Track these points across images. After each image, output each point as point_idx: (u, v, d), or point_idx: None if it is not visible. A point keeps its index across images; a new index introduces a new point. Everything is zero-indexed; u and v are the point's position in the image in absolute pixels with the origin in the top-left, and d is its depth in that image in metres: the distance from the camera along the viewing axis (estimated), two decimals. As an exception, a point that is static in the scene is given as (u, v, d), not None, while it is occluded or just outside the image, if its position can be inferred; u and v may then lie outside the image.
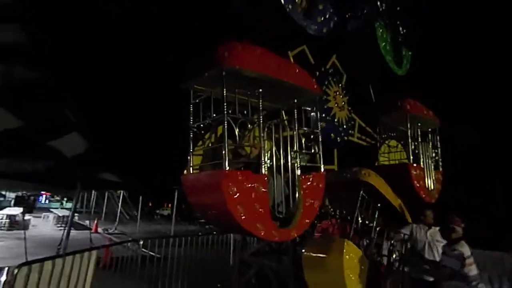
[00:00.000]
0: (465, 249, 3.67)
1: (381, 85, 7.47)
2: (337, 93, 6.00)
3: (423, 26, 7.41)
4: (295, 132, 4.01)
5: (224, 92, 3.28)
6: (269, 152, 3.96)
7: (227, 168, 3.09)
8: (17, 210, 19.70)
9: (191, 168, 3.56)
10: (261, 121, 3.61)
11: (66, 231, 9.81)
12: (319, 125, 4.38)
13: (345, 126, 6.03)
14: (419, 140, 6.73)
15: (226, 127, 3.21)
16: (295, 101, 4.14)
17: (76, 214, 23.65)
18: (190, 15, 4.51)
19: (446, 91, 8.23)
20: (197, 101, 3.74)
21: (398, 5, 6.86)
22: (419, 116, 6.67)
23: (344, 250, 4.34)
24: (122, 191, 21.16)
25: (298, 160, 3.93)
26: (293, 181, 3.85)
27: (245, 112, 4.09)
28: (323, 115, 5.66)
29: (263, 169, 3.43)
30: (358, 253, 4.45)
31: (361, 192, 4.75)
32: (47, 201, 30.28)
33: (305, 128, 4.34)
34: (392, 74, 7.19)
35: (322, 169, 4.24)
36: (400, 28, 6.99)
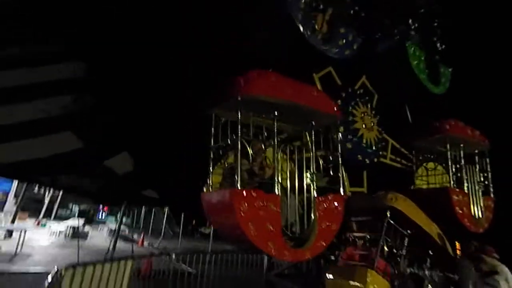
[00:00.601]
0: (502, 282, 3.26)
1: (418, 105, 7.14)
2: (365, 113, 5.91)
3: (465, 41, 7.02)
4: (311, 154, 4.08)
5: (239, 117, 3.56)
6: (287, 173, 4.08)
7: (239, 187, 3.29)
8: (79, 222, 22.06)
9: (210, 187, 3.83)
10: (276, 143, 3.77)
11: (112, 242, 10.76)
12: (339, 147, 4.39)
13: (374, 148, 5.87)
14: (462, 162, 6.21)
15: (239, 148, 3.44)
16: (313, 123, 4.23)
17: (126, 229, 25.55)
18: (215, 46, 4.98)
19: (497, 110, 7.52)
20: (218, 124, 4.06)
21: (435, 22, 6.63)
22: (461, 137, 6.20)
23: (368, 280, 4.15)
24: (167, 209, 22.40)
25: (314, 182, 3.96)
26: (309, 202, 3.89)
27: (264, 134, 4.31)
28: (349, 136, 5.60)
29: (276, 189, 3.55)
30: (382, 283, 4.21)
31: (387, 218, 4.53)
32: (104, 215, 33.20)
33: (324, 150, 4.38)
34: (430, 93, 6.85)
35: (342, 192, 4.20)
36: (438, 45, 6.71)
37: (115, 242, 9.79)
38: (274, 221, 3.39)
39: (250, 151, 3.63)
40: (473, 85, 6.97)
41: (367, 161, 5.79)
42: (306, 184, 3.96)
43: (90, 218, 28.71)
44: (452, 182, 5.98)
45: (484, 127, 6.74)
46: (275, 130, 3.83)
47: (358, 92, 6.22)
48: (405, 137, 6.70)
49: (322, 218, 3.87)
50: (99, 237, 20.30)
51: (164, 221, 21.47)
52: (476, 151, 6.55)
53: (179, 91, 5.54)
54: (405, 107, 7.16)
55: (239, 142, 3.48)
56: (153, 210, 24.39)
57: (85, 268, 4.35)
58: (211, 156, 3.94)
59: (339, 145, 5.22)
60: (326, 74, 6.03)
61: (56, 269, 4.22)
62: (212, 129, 4.05)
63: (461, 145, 6.22)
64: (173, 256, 7.10)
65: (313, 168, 4.05)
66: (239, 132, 3.52)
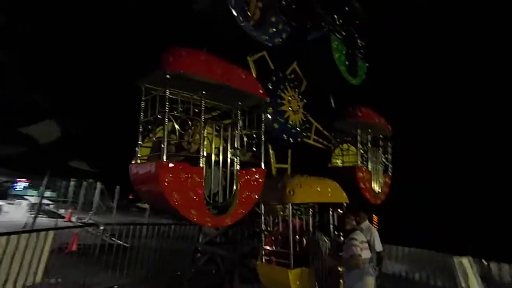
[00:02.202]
0: (359, 236, 4.23)
1: (342, 92, 8.05)
2: (293, 97, 6.49)
3: (382, 39, 8.02)
4: (236, 131, 4.47)
5: (167, 92, 3.72)
6: (214, 148, 4.41)
7: (164, 159, 3.53)
8: (-14, 196, 19.49)
9: (138, 159, 3.98)
10: (202, 120, 4.04)
11: (34, 215, 10.02)
12: (262, 126, 4.85)
13: (298, 129, 6.53)
14: (369, 145, 7.33)
15: (166, 123, 3.64)
16: (239, 103, 4.59)
17: (51, 203, 23.48)
18: (154, 22, 4.92)
19: (404, 100, 8.90)
20: (148, 98, 4.14)
21: (357, 19, 7.43)
22: (370, 123, 7.27)
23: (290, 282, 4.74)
24: (98, 182, 21.18)
25: (237, 157, 4.39)
26: (232, 174, 4.31)
27: (196, 110, 4.52)
28: (277, 117, 6.13)
29: (200, 162, 3.87)
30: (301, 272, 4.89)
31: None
32: (23, 189, 29.79)
33: (249, 129, 4.81)
34: (350, 83, 7.75)
35: (263, 166, 4.73)
36: (358, 41, 7.57)
37: (36, 215, 9.14)
38: (197, 191, 3.74)
39: (177, 127, 3.84)
40: (385, 79, 8.10)
41: (292, 140, 6.43)
42: (230, 159, 4.36)
43: (4, 192, 25.51)
44: (359, 161, 7.05)
45: (390, 115, 8.00)
46: (202, 108, 4.08)
47: (288, 77, 6.73)
48: (327, 120, 7.55)
49: (243, 188, 4.35)
50: (16, 213, 18.36)
51: (96, 195, 20.30)
52: (381, 136, 7.74)
53: (112, 62, 5.36)
54: (329, 94, 8.00)
55: (165, 117, 3.66)
56: (83, 183, 22.80)
57: (-3, 239, 4.15)
58: (140, 129, 4.04)
59: (265, 124, 5.81)
60: (260, 57, 6.40)
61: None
62: (142, 102, 4.12)
63: (369, 129, 7.30)
64: (101, 228, 7.04)
65: (237, 144, 4.46)
66: (166, 108, 3.68)
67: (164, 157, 3.54)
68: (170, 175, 3.50)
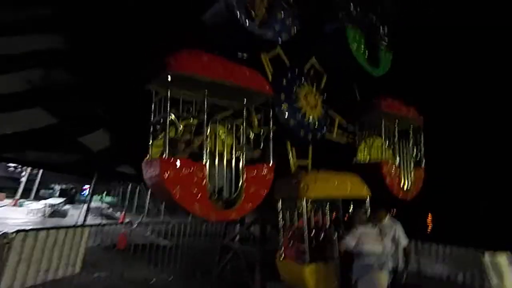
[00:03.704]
0: (361, 229, 4.18)
1: (366, 84, 7.65)
2: (310, 92, 6.36)
3: (407, 27, 7.48)
4: (242, 129, 4.56)
5: (168, 93, 3.96)
6: (222, 145, 4.57)
7: (166, 156, 3.76)
8: (58, 200, 22.23)
9: (150, 157, 4.28)
10: (205, 118, 4.21)
11: (84, 215, 11.20)
12: (271, 123, 4.88)
13: (317, 125, 6.37)
14: (396, 137, 6.85)
15: (168, 122, 3.88)
16: (245, 100, 4.68)
17: (110, 207, 25.85)
18: (163, 27, 5.27)
19: (435, 90, 8.14)
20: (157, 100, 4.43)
21: (377, 7, 7.02)
22: (397, 114, 6.80)
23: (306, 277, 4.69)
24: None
25: (244, 153, 4.47)
26: (238, 170, 4.41)
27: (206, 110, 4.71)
28: (292, 113, 6.06)
29: (204, 158, 4.04)
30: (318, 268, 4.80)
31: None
32: (87, 194, 33.40)
33: (258, 126, 4.87)
34: (374, 75, 7.33)
35: (271, 163, 4.75)
36: (380, 28, 7.13)
37: (86, 215, 10.24)
38: (200, 186, 3.90)
39: (181, 126, 4.07)
40: (413, 68, 7.49)
41: (310, 136, 6.30)
42: (237, 155, 4.47)
43: (71, 197, 28.91)
44: (385, 156, 6.64)
45: (421, 105, 7.39)
46: (205, 106, 4.25)
47: (305, 72, 6.63)
48: (350, 114, 7.25)
49: (250, 183, 4.42)
50: (80, 216, 20.71)
51: (148, 198, 21.83)
52: (411, 126, 7.19)
53: (129, 69, 5.85)
54: (353, 86, 7.66)
55: (168, 117, 3.91)
56: (138, 188, 24.75)
57: (37, 233, 4.77)
58: (151, 129, 4.35)
59: (281, 121, 5.82)
60: (275, 55, 6.41)
61: (4, 232, 4.60)
62: (152, 104, 4.43)
63: (396, 121, 6.83)
64: (134, 226, 7.65)
65: (243, 141, 4.55)
66: (168, 108, 3.93)
67: (166, 154, 3.77)
68: (172, 171, 3.72)
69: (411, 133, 7.18)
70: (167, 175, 3.68)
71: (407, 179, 6.84)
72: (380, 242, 4.22)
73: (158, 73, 4.07)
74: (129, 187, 28.72)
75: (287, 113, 6.00)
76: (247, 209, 4.38)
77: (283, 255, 5.17)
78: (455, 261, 6.94)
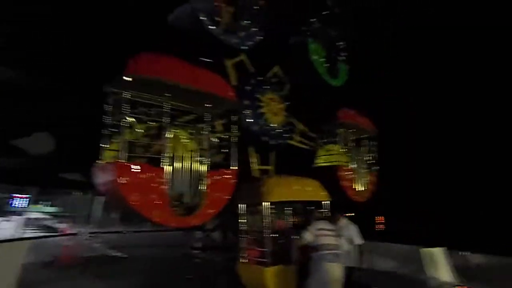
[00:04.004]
0: (318, 224, 4.50)
1: (326, 94, 8.05)
2: (272, 99, 6.51)
3: (364, 42, 8.06)
4: (203, 134, 4.51)
5: (130, 96, 3.79)
6: (182, 150, 4.45)
7: (123, 161, 3.56)
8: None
9: (103, 161, 4.02)
10: (167, 122, 4.09)
11: (18, 227, 10.05)
12: (231, 128, 4.88)
13: (279, 131, 6.52)
14: (352, 144, 7.30)
15: (126, 124, 3.69)
16: (210, 106, 4.64)
17: (50, 218, 23.53)
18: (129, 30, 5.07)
19: (390, 100, 8.90)
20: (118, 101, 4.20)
21: (338, 23, 7.50)
22: (353, 123, 7.26)
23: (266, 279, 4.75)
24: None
25: (207, 158, 4.41)
26: (201, 175, 4.33)
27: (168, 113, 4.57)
28: (255, 119, 6.14)
29: (163, 163, 3.90)
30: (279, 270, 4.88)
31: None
32: (22, 205, 29.77)
33: (221, 132, 4.84)
34: (334, 86, 7.76)
35: (233, 167, 4.74)
36: (339, 43, 7.61)
37: (23, 230, 9.21)
38: (159, 192, 3.75)
39: (141, 129, 3.89)
40: (369, 80, 8.11)
41: (273, 142, 6.42)
42: (199, 160, 4.39)
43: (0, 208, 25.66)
44: (342, 161, 7.01)
45: (375, 115, 7.98)
46: (168, 110, 4.14)
47: (269, 80, 6.77)
48: (311, 122, 7.55)
49: (212, 189, 4.35)
50: (10, 229, 18.54)
51: (97, 207, 20.25)
52: (365, 135, 7.71)
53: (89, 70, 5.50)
54: (314, 95, 8.01)
55: (126, 119, 3.72)
56: (87, 196, 22.92)
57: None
58: (106, 132, 4.10)
59: (244, 127, 5.86)
60: (239, 61, 6.47)
61: None
62: (109, 106, 4.19)
63: (353, 130, 7.28)
64: (81, 237, 7.09)
65: (208, 146, 4.49)
66: (126, 110, 3.75)
67: (123, 158, 3.58)
68: (129, 176, 3.53)
69: (365, 140, 7.68)
70: (123, 180, 3.48)
71: (361, 182, 7.28)
72: (334, 236, 4.47)
73: (118, 75, 3.87)
74: (75, 195, 26.56)
75: (250, 119, 6.07)
76: (209, 215, 4.31)
77: (244, 258, 5.15)
78: (402, 257, 7.53)
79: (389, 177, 8.07)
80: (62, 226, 19.30)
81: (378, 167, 7.83)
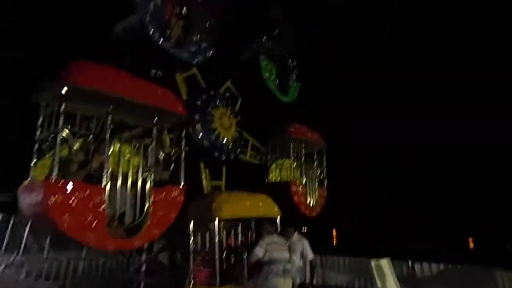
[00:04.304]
0: (268, 238, 4.58)
1: (277, 110, 8.29)
2: (224, 115, 6.51)
3: (313, 59, 8.54)
4: (149, 149, 4.31)
5: (62, 107, 3.49)
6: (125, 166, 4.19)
7: (53, 179, 3.23)
8: None
9: (30, 179, 3.61)
10: (108, 137, 3.84)
11: None
12: (183, 144, 4.76)
13: (231, 146, 6.51)
14: (303, 159, 7.55)
15: (59, 139, 3.39)
16: (156, 120, 4.47)
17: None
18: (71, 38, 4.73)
19: (340, 115, 9.50)
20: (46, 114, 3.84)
21: (288, 41, 7.87)
22: (303, 138, 7.53)
23: None
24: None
25: (151, 175, 4.20)
26: (144, 193, 4.10)
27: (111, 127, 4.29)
28: (207, 134, 6.06)
29: (103, 180, 3.63)
30: None
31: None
32: None
33: (171, 147, 4.68)
34: (285, 102, 8.03)
35: (182, 184, 4.57)
36: (290, 61, 7.98)
37: None
38: (96, 212, 3.46)
39: (76, 144, 3.60)
40: (319, 97, 8.61)
41: (224, 157, 6.37)
42: (143, 177, 4.16)
43: None
44: (293, 176, 7.19)
45: (325, 130, 8.40)
46: (108, 123, 3.89)
47: (221, 95, 6.78)
48: (263, 137, 7.68)
49: (157, 207, 4.13)
50: None
51: (25, 232, 18.05)
52: (316, 150, 8.03)
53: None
54: (265, 111, 8.20)
55: (58, 133, 3.41)
56: (12, 219, 20.31)
57: None
58: (35, 147, 3.71)
59: (195, 141, 5.75)
60: (191, 75, 6.40)
61: None
62: (40, 119, 3.82)
63: (303, 144, 7.55)
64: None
65: (151, 162, 4.29)
66: (60, 123, 3.45)
67: (55, 176, 3.25)
68: (60, 195, 3.20)
69: (315, 155, 7.99)
70: (52, 200, 3.14)
71: (312, 197, 7.51)
72: (286, 250, 4.49)
73: (51, 85, 3.56)
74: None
75: (201, 133, 5.97)
76: (154, 235, 4.07)
77: (193, 280, 4.93)
78: (352, 270, 7.82)
79: (338, 191, 8.46)
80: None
81: (328, 181, 8.17)
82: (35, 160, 3.70)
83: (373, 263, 6.01)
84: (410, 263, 7.16)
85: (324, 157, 8.24)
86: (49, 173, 3.74)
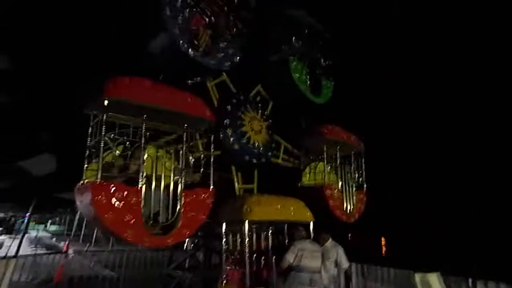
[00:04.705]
0: (299, 244, 4.56)
1: (310, 111, 8.19)
2: (254, 118, 6.67)
3: (347, 58, 8.29)
4: (181, 152, 4.65)
5: (105, 117, 3.97)
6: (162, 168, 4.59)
7: (99, 181, 3.70)
8: (-7, 231, 19.89)
9: (83, 181, 4.16)
10: (143, 143, 4.25)
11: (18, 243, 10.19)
12: (212, 148, 5.02)
13: (261, 149, 6.63)
14: (338, 162, 7.33)
15: (103, 146, 3.86)
16: (185, 125, 4.81)
17: (53, 236, 23.65)
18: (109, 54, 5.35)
19: (375, 117, 9.02)
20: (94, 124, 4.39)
21: (319, 41, 7.75)
22: (338, 140, 7.31)
23: None
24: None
25: (182, 177, 4.53)
26: (176, 194, 4.43)
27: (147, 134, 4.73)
28: (237, 138, 6.27)
29: (140, 182, 4.03)
30: None
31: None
32: (25, 223, 30.24)
33: (202, 151, 4.99)
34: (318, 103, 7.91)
35: (211, 187, 4.83)
36: (322, 60, 7.84)
37: (19, 245, 9.32)
38: (133, 211, 3.85)
39: (116, 151, 4.06)
40: (355, 97, 8.29)
41: (255, 161, 6.52)
42: (175, 179, 4.51)
43: (9, 227, 26.04)
44: (328, 180, 7.03)
45: (363, 131, 8.06)
46: (143, 131, 4.30)
47: (251, 99, 6.96)
48: (295, 140, 7.65)
49: (187, 208, 4.44)
50: (10, 247, 18.67)
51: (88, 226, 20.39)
52: (353, 152, 7.75)
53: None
54: (298, 114, 8.16)
55: (102, 140, 3.89)
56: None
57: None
58: (86, 153, 4.26)
59: (226, 146, 6.00)
60: (220, 82, 6.70)
61: None
62: (90, 128, 4.38)
63: (338, 146, 7.34)
64: (72, 256, 7.14)
65: (183, 165, 4.62)
66: (103, 132, 3.93)
67: (99, 178, 3.71)
68: (103, 195, 3.65)
69: (352, 158, 7.71)
70: (97, 199, 3.60)
71: (349, 202, 7.26)
72: (317, 257, 4.41)
73: (95, 98, 4.08)
74: (77, 214, 26.72)
75: (232, 138, 6.21)
76: (184, 235, 4.37)
77: (225, 280, 5.13)
78: (395, 282, 7.33)
79: (379, 196, 8.03)
80: (62, 245, 19.42)
81: (367, 185, 7.82)
82: (86, 165, 4.23)
83: (417, 277, 5.53)
84: (471, 281, 6.30)
85: (363, 160, 7.90)
86: (95, 176, 4.28)
